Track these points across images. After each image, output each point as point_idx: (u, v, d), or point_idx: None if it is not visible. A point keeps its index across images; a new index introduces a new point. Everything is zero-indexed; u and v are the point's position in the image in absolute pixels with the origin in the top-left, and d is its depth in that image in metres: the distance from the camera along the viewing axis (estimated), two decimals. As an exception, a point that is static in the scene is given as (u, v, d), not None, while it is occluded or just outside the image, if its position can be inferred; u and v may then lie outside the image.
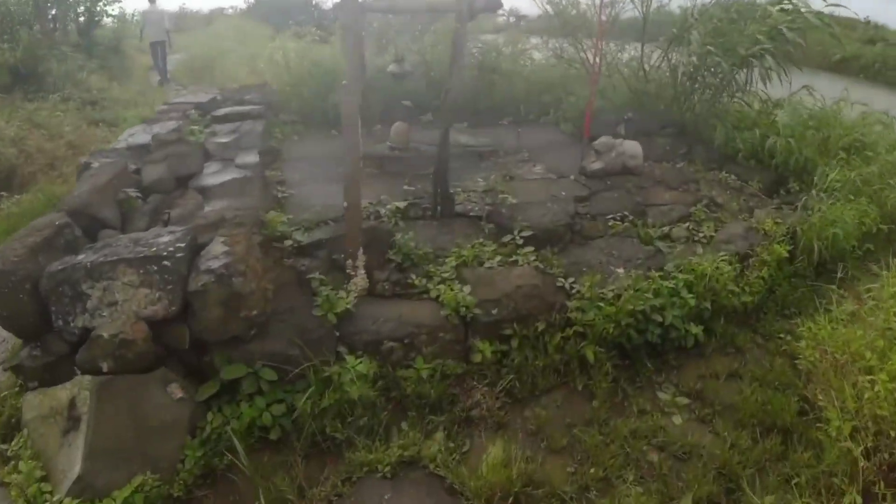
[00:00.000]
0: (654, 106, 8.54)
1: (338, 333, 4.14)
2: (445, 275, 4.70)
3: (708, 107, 7.84)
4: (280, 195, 5.81)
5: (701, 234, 5.68)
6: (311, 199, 5.76)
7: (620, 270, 4.88)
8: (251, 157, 5.71)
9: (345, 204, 4.58)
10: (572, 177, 6.68)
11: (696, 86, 7.96)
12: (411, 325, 4.22)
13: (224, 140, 6.16)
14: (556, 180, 6.60)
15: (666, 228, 5.71)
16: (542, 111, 9.13)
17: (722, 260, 5.06)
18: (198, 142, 6.21)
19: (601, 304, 4.42)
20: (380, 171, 6.56)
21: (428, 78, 8.79)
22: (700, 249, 5.41)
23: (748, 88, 7.70)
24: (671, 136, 8.07)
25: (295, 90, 8.38)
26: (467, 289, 4.44)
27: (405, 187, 6.11)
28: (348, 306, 4.29)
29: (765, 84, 7.28)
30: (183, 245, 3.84)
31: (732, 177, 7.01)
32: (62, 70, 10.28)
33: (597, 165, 6.69)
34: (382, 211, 5.50)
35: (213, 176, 5.36)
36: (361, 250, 4.70)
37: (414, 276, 4.79)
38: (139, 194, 5.01)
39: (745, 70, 7.51)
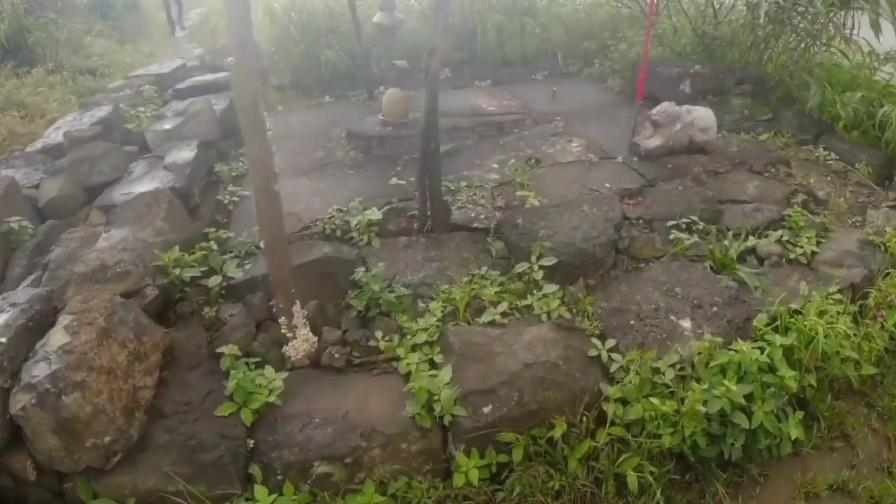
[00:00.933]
0: (726, 56, 6.47)
1: (252, 444, 2.74)
2: (421, 337, 3.19)
3: (796, 58, 5.74)
4: (229, 200, 4.33)
5: (799, 251, 3.89)
6: (284, 201, 4.24)
7: (687, 325, 3.21)
8: (186, 153, 4.22)
9: (260, 243, 3.05)
10: (620, 158, 4.86)
11: (782, 30, 5.85)
12: (360, 431, 2.72)
13: (167, 126, 4.65)
14: (599, 163, 4.80)
15: (750, 241, 3.93)
16: (584, 62, 7.11)
17: (833, 300, 3.33)
18: (139, 131, 4.75)
19: (655, 398, 2.81)
20: (365, 157, 4.93)
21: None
22: (798, 277, 3.65)
23: (852, 35, 5.56)
24: (749, 96, 6.05)
25: (283, 48, 6.76)
26: (448, 370, 2.90)
27: (393, 181, 4.51)
28: (271, 398, 2.85)
29: (877, 34, 5.14)
30: (7, 339, 2.46)
31: (832, 156, 5.08)
32: (57, 38, 8.89)
33: (655, 142, 4.85)
34: (353, 223, 3.96)
35: (128, 186, 3.90)
36: (298, 304, 3.22)
37: (379, 335, 3.28)
38: (28, 223, 3.65)
39: (844, 13, 5.44)
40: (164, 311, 3.54)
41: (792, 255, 3.88)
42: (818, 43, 5.75)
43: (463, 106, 5.88)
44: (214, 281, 3.57)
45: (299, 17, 6.58)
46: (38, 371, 2.33)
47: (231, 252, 3.80)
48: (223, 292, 3.53)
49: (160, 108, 5.28)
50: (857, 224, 4.23)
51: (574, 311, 3.36)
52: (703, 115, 4.90)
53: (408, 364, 3.05)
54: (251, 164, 2.93)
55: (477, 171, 4.61)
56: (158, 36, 13.38)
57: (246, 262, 3.73)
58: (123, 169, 4.11)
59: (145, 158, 4.28)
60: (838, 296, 3.43)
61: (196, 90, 5.58)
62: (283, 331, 3.23)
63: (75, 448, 2.36)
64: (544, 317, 3.28)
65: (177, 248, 3.49)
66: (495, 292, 3.40)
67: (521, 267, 3.60)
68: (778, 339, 3.03)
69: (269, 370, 3.09)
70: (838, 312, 3.26)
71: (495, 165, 4.71)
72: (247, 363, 3.17)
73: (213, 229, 3.96)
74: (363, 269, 3.52)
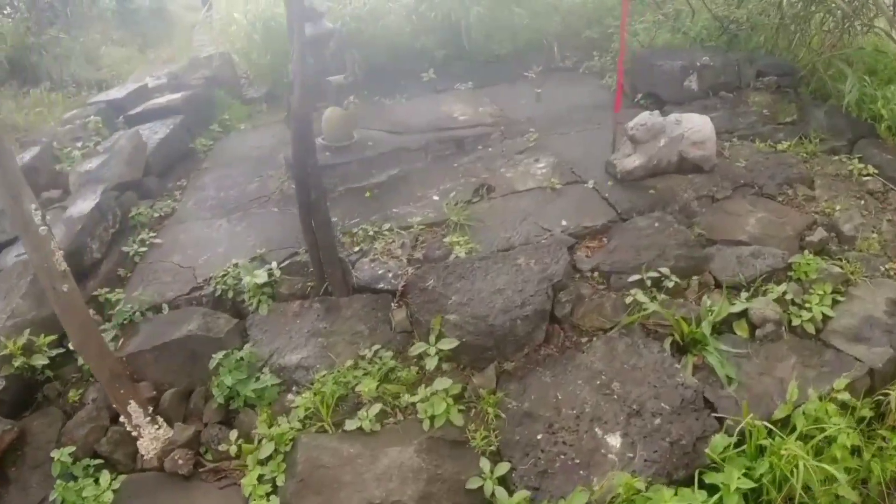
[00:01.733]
0: (748, 42, 5.24)
1: None
2: (269, 448, 2.48)
3: (832, 42, 4.46)
4: (135, 252, 3.76)
5: (806, 315, 2.82)
6: (190, 252, 3.67)
7: (615, 444, 2.31)
8: (87, 202, 3.65)
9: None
10: (592, 182, 3.85)
11: (815, 9, 4.56)
12: None
13: (89, 166, 4.09)
14: (564, 190, 3.83)
15: (741, 301, 2.91)
16: (585, 54, 6.00)
17: (836, 404, 2.34)
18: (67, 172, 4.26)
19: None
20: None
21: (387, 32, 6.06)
22: (796, 360, 2.64)
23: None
24: (772, 92, 4.83)
25: (251, 59, 6.11)
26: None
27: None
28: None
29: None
30: None
31: (869, 169, 3.87)
32: (68, 52, 8.61)
33: (634, 162, 3.82)
34: (244, 283, 3.29)
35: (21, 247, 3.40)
36: (133, 403, 2.60)
37: (233, 436, 2.62)
38: None
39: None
40: (28, 395, 3.07)
41: (796, 322, 2.84)
42: (858, 23, 4.44)
43: (430, 117, 5.02)
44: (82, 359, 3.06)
45: (264, 26, 5.91)
46: None
47: (112, 321, 3.26)
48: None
49: (102, 140, 4.77)
50: (892, 273, 3.09)
51: (473, 412, 2.55)
52: (696, 125, 3.81)
53: (248, 484, 2.39)
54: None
55: (412, 207, 3.79)
56: (182, 39, 13.14)
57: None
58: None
59: (52, 209, 3.79)
60: (846, 395, 2.42)
61: (148, 115, 5.04)
62: (127, 428, 2.67)
63: None
64: (427, 423, 2.49)
65: (27, 331, 2.98)
66: (375, 386, 2.64)
67: (417, 348, 2.81)
68: (734, 481, 2.09)
69: (104, 477, 2.56)
70: (840, 427, 2.27)
71: (436, 198, 3.87)
72: (87, 466, 2.65)
73: (106, 290, 3.42)
74: (223, 352, 2.86)
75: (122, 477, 2.63)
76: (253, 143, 5.15)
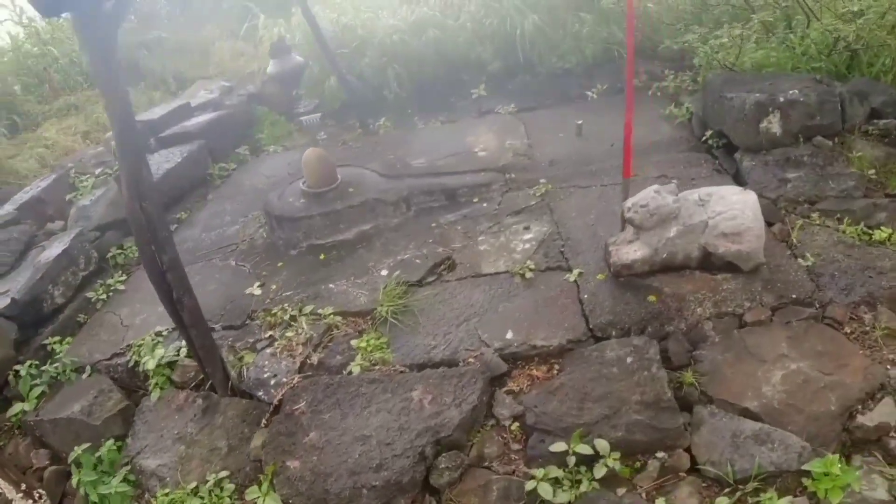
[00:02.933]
0: (873, 66, 3.65)
1: None
2: None
3: None
4: (96, 298, 3.48)
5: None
6: (137, 306, 3.35)
7: None
8: (56, 248, 3.50)
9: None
10: (576, 273, 2.79)
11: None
12: None
13: (85, 202, 4.01)
14: (537, 279, 2.83)
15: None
16: (660, 70, 4.61)
17: None
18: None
19: None
20: (265, 240, 3.80)
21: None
22: None
23: None
24: (888, 143, 3.29)
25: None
26: None
27: (249, 290, 3.30)
28: None
29: None
30: None
31: None
32: (165, 52, 8.80)
33: (634, 253, 2.70)
34: (143, 362, 2.93)
35: None
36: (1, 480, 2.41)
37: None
38: None
39: None
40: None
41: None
42: None
43: (445, 150, 4.26)
44: (12, 411, 3.01)
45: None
46: None
47: (40, 378, 3.15)
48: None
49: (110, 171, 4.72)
50: None
51: None
52: (731, 208, 2.56)
53: None
54: None
55: (350, 284, 3.12)
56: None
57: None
58: (10, 265, 3.68)
59: (36, 248, 3.82)
60: None
61: (173, 139, 4.92)
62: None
63: None
64: None
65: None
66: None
67: (251, 494, 2.23)
68: None
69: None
70: None
71: (384, 272, 3.15)
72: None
73: (57, 338, 3.31)
74: (84, 445, 2.57)
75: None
76: (268, 170, 4.80)
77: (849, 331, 2.39)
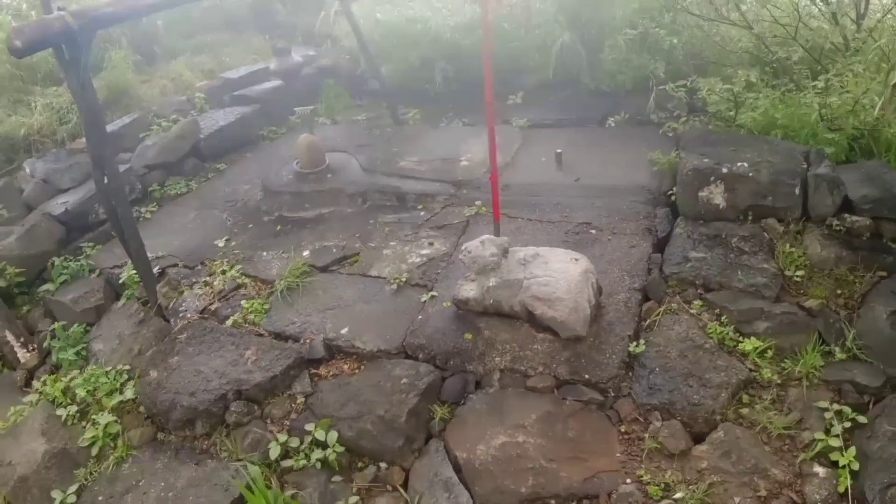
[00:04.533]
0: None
1: None
2: None
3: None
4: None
5: None
6: (150, 232, 4.63)
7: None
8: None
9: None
10: (432, 294, 3.33)
11: None
12: None
13: (148, 142, 5.32)
14: (402, 292, 3.44)
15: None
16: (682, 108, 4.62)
17: None
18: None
19: None
20: (255, 203, 4.79)
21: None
22: None
23: None
24: (850, 246, 3.19)
25: (384, 52, 6.49)
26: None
27: (220, 242, 4.33)
28: None
29: None
30: None
31: None
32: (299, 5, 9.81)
33: (468, 291, 3.17)
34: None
35: (61, 196, 4.90)
36: (9, 333, 3.85)
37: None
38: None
39: None
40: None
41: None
42: None
43: (435, 155, 4.86)
44: (41, 288, 4.43)
45: (385, 27, 6.25)
46: None
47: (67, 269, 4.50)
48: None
49: (199, 115, 6.02)
50: None
51: None
52: (549, 273, 2.89)
53: None
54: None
55: (283, 255, 3.97)
56: None
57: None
58: (78, 182, 5.10)
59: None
60: None
61: (238, 99, 6.19)
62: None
63: None
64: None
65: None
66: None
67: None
68: None
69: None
70: None
71: (306, 253, 3.99)
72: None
73: (92, 244, 4.57)
74: (63, 323, 3.89)
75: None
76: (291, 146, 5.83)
77: (624, 430, 2.62)
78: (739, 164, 3.42)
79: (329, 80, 6.58)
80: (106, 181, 3.46)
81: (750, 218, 3.45)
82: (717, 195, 3.47)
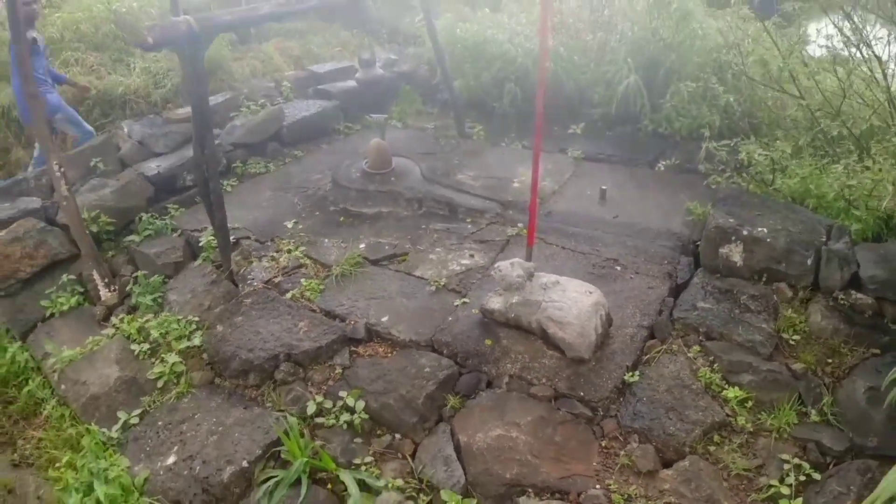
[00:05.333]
0: None
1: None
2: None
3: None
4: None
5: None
6: (234, 202, 5.44)
7: None
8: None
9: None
10: (466, 299, 3.95)
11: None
12: None
13: (237, 122, 6.14)
14: (437, 295, 4.03)
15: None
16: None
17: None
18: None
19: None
20: (324, 193, 5.49)
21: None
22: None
23: None
24: (850, 321, 3.61)
25: (459, 67, 7.09)
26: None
27: (289, 223, 5.08)
28: None
29: None
30: None
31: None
32: None
33: (494, 303, 3.71)
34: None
35: (151, 161, 5.81)
36: (96, 273, 4.64)
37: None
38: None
39: None
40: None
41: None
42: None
43: (494, 172, 5.46)
44: (127, 238, 5.27)
45: (461, 44, 6.85)
46: None
47: (152, 225, 5.32)
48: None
49: (284, 102, 6.83)
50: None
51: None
52: (564, 300, 3.43)
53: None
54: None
55: (342, 245, 4.63)
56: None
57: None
58: (171, 149, 5.97)
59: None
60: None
61: (320, 93, 6.97)
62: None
63: None
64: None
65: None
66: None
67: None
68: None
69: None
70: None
71: (362, 245, 4.65)
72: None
73: (177, 206, 5.40)
74: (144, 272, 4.68)
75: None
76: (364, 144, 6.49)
77: (604, 444, 3.10)
78: (760, 228, 3.85)
79: (406, 85, 7.26)
80: (203, 155, 4.21)
81: (763, 279, 3.87)
82: (735, 254, 3.91)
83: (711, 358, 3.48)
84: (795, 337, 3.58)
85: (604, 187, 4.99)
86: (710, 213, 4.17)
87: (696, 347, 3.56)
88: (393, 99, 7.15)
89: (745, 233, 3.87)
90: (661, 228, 4.61)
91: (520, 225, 4.70)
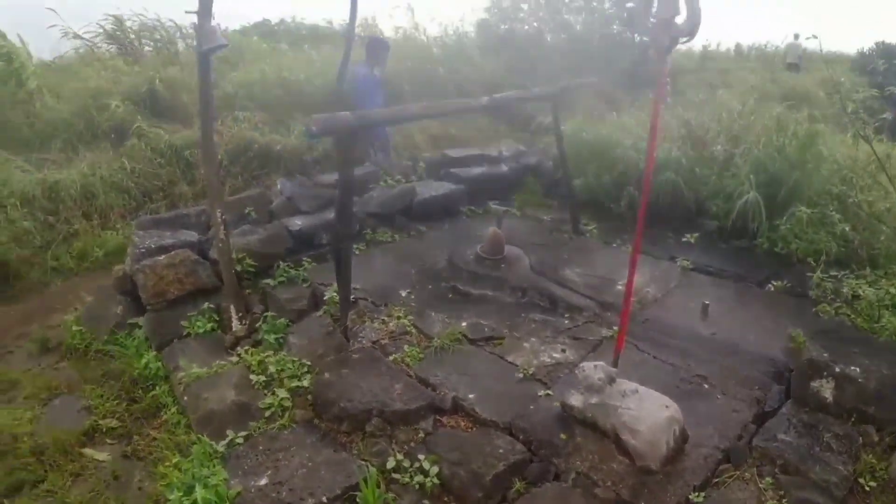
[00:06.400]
0: None
1: None
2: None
3: None
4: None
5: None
6: (355, 265, 6.28)
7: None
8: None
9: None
10: (543, 392, 4.28)
11: None
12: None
13: (372, 193, 7.15)
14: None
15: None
16: None
17: None
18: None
19: None
20: (440, 268, 6.07)
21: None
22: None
23: None
24: None
25: (580, 167, 7.59)
26: None
27: (403, 291, 5.70)
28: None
29: None
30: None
31: None
32: None
33: (575, 399, 4.01)
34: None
35: (294, 217, 6.90)
36: (232, 307, 5.52)
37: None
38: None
39: None
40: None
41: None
42: None
43: (601, 271, 5.82)
44: (263, 281, 6.19)
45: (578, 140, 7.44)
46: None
47: (287, 274, 6.27)
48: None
49: (416, 181, 7.77)
50: None
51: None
52: (640, 410, 3.65)
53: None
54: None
55: (446, 320, 5.17)
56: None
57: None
58: (315, 208, 6.96)
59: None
60: None
61: (449, 176, 7.85)
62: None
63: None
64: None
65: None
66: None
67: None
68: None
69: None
70: None
71: (463, 324, 5.14)
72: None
73: (309, 260, 6.31)
74: (271, 313, 5.47)
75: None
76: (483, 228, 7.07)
77: None
78: (853, 367, 3.89)
79: (529, 176, 7.89)
80: (341, 222, 4.99)
81: (852, 420, 3.88)
82: (826, 390, 3.96)
83: (782, 492, 3.54)
84: (872, 483, 3.56)
85: (707, 302, 5.17)
86: (806, 343, 4.24)
87: (769, 479, 3.63)
88: (516, 188, 7.80)
89: (837, 369, 3.93)
90: (758, 352, 4.71)
91: (615, 328, 4.99)
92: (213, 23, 4.90)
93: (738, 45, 26.01)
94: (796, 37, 22.36)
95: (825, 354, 4.05)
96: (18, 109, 9.03)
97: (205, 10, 4.67)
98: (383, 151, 8.02)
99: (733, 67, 20.81)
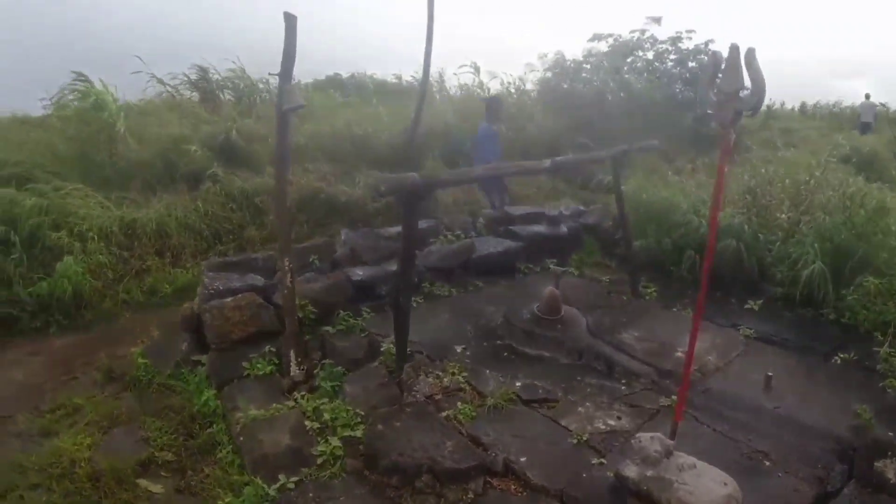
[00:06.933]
0: None
1: None
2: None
3: None
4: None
5: None
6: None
7: None
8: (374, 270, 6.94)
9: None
10: (597, 460, 4.22)
11: None
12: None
13: (428, 249, 7.38)
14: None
15: None
16: None
17: None
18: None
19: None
20: (496, 326, 6.13)
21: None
22: None
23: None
24: None
25: (641, 228, 7.62)
26: None
27: (458, 348, 5.78)
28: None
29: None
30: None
31: None
32: None
33: (629, 472, 3.94)
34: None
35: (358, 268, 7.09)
36: (292, 353, 5.73)
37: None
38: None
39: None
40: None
41: None
42: None
43: (655, 333, 5.79)
44: (323, 328, 6.40)
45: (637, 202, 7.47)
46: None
47: (345, 322, 6.44)
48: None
49: (476, 236, 7.97)
50: None
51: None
52: (697, 486, 3.56)
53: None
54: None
55: (500, 378, 5.22)
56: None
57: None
58: (377, 260, 7.24)
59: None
60: None
61: (509, 233, 7.97)
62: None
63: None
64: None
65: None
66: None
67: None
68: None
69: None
70: None
71: (518, 384, 5.15)
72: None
73: (367, 309, 6.53)
74: (329, 361, 5.62)
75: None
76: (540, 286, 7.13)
77: None
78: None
79: (588, 236, 7.94)
80: (402, 277, 5.16)
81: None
82: (889, 470, 3.80)
83: None
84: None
85: (770, 374, 5.05)
86: (871, 420, 4.08)
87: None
88: (574, 247, 7.86)
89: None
90: (823, 428, 4.54)
91: (674, 397, 4.92)
92: (294, 80, 5.28)
93: (802, 104, 25.70)
94: (867, 96, 21.94)
95: (889, 434, 3.90)
96: (103, 150, 9.74)
97: (286, 72, 5.04)
98: (500, 194, 8.72)
99: (797, 126, 20.51)
